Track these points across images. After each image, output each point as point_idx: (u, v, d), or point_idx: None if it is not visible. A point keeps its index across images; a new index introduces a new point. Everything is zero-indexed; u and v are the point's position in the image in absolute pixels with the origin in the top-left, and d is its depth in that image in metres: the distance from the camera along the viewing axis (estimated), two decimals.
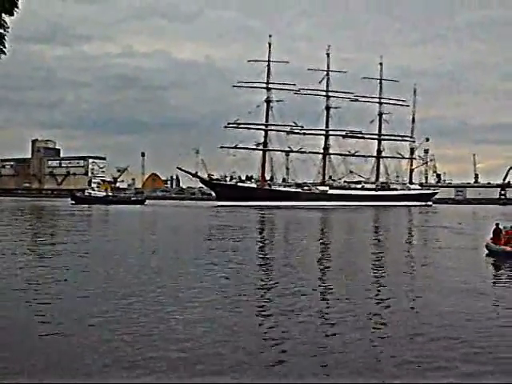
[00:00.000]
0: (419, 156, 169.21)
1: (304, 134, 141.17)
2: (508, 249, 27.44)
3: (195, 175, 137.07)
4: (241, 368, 10.07)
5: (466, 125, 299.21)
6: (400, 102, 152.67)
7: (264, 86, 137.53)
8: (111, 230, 48.49)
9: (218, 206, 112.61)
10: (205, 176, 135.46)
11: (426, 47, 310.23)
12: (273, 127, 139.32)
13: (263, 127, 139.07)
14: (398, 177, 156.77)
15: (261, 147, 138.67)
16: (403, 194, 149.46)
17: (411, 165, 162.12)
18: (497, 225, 29.69)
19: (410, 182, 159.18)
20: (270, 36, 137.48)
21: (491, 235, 29.46)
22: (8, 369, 9.77)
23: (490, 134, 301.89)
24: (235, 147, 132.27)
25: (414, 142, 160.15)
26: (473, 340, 12.10)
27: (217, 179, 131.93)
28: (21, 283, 18.07)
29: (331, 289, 18.27)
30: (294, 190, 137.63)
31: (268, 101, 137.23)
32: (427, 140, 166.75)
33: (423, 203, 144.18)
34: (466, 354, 11.08)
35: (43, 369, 9.89)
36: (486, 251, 28.66)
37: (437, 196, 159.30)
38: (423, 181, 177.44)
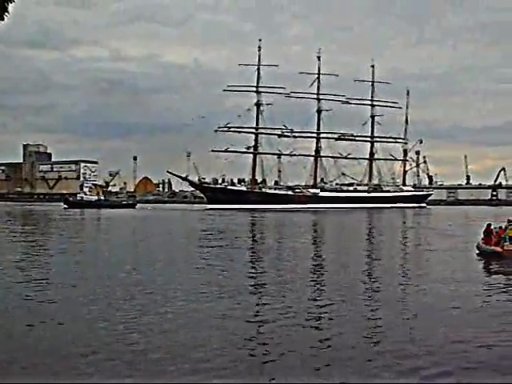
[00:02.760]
0: (411, 158, 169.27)
1: (294, 137, 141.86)
2: (498, 249, 27.59)
3: (185, 179, 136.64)
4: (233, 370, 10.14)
5: (459, 127, 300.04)
6: (392, 104, 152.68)
7: (254, 89, 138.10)
8: (103, 234, 48.54)
9: (208, 209, 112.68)
10: (195, 179, 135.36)
11: (419, 50, 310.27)
12: (263, 130, 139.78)
13: (253, 131, 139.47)
14: (393, 179, 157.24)
15: (251, 150, 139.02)
16: (396, 196, 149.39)
17: (404, 166, 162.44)
18: (488, 225, 29.74)
19: (404, 184, 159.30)
20: (259, 40, 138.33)
21: (482, 235, 29.58)
22: None
23: (481, 136, 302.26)
24: (226, 151, 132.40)
25: (406, 143, 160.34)
26: (462, 337, 12.38)
27: (206, 182, 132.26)
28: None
29: (323, 291, 18.31)
30: (284, 192, 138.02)
31: (258, 104, 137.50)
32: (421, 142, 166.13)
33: (417, 205, 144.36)
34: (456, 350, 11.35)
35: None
36: (477, 251, 28.79)
37: (429, 198, 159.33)
38: (416, 182, 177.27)
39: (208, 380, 9.54)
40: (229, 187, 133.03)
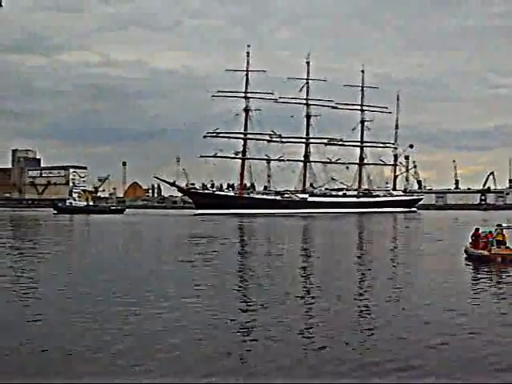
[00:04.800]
0: (400, 163, 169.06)
1: (283, 142, 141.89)
2: (485, 253, 27.48)
3: (173, 184, 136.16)
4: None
5: (448, 132, 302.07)
6: (382, 109, 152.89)
7: (242, 95, 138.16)
8: (91, 241, 48.32)
9: (196, 214, 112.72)
10: (183, 185, 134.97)
11: (408, 55, 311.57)
12: (251, 136, 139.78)
13: (242, 136, 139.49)
14: (387, 183, 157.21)
15: (240, 156, 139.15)
16: (386, 201, 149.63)
17: (395, 171, 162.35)
18: (476, 229, 29.72)
19: (394, 189, 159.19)
20: (248, 46, 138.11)
21: (470, 240, 29.52)
22: None
23: (470, 141, 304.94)
24: (215, 156, 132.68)
25: (396, 148, 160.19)
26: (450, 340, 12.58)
27: (194, 188, 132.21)
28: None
29: (315, 297, 18.16)
30: (272, 197, 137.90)
31: (246, 110, 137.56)
32: (411, 147, 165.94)
33: (407, 209, 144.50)
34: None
35: None
36: (465, 255, 28.75)
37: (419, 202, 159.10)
38: (406, 187, 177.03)
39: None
40: (216, 192, 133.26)
